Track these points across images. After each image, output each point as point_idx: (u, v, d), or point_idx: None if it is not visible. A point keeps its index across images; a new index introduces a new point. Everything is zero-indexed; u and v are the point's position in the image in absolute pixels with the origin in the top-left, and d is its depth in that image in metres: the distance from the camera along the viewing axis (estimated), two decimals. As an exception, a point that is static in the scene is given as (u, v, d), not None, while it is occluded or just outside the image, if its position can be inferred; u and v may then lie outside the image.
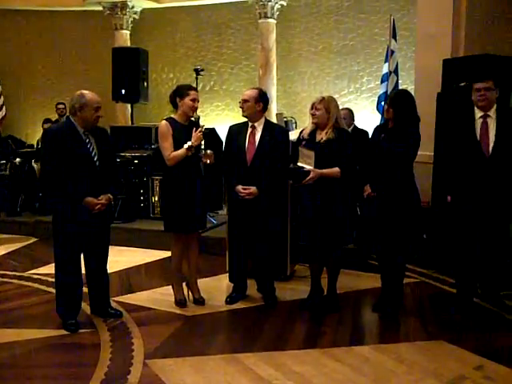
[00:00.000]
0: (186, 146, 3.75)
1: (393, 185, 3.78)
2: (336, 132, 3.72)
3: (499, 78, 3.96)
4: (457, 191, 4.04)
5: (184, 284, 4.15)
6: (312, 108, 3.73)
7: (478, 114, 3.85)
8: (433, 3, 5.64)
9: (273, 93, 8.19)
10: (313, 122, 3.75)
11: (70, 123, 3.51)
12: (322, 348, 3.34)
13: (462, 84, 4.92)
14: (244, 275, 4.23)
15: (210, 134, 6.78)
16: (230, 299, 4.14)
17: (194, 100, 3.80)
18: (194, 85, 6.92)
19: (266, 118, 4.01)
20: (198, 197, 3.90)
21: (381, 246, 3.95)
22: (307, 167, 3.67)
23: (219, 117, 9.17)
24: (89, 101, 3.46)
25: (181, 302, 4.04)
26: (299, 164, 3.70)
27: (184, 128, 3.83)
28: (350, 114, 5.65)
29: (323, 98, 3.73)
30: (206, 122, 8.47)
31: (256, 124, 3.94)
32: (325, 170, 3.67)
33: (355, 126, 5.66)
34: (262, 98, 3.93)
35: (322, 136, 3.74)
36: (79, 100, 3.46)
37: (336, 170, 3.69)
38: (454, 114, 4.40)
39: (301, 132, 3.90)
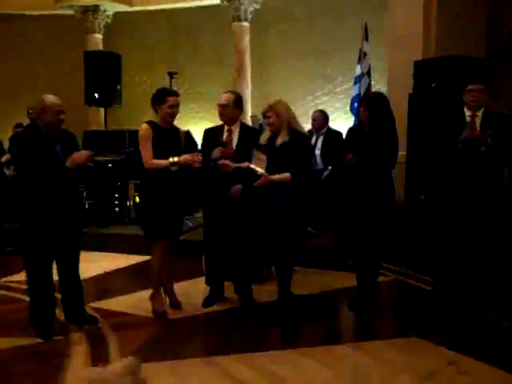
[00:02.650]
0: (170, 160, 3.67)
1: (370, 186, 3.82)
2: (291, 135, 3.64)
3: (468, 79, 4.05)
4: (446, 187, 4.09)
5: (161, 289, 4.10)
6: (264, 117, 3.69)
7: (467, 113, 3.95)
8: (403, 6, 5.75)
9: (247, 95, 8.21)
10: (270, 131, 3.69)
11: (36, 127, 3.46)
12: (300, 348, 3.34)
13: (433, 85, 5.02)
14: (221, 278, 4.22)
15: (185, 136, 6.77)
16: (207, 302, 4.12)
17: (173, 106, 3.70)
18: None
19: (241, 121, 4.02)
20: (178, 202, 3.85)
21: (356, 245, 3.99)
22: (259, 171, 3.64)
23: (194, 119, 9.16)
24: (49, 105, 3.40)
25: (161, 316, 3.89)
26: (252, 166, 3.66)
27: (165, 132, 3.77)
28: (323, 115, 5.71)
29: (270, 105, 3.66)
30: (180, 124, 8.44)
31: (233, 127, 3.93)
32: (275, 176, 3.61)
33: (329, 128, 5.72)
34: (240, 102, 3.94)
35: (279, 141, 3.67)
36: (39, 104, 3.42)
37: (286, 175, 3.61)
38: (436, 113, 4.48)
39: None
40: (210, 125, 8.98)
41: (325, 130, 5.65)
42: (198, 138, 5.05)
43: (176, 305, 4.05)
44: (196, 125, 9.06)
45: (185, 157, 3.68)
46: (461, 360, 3.11)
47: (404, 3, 5.70)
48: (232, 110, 3.87)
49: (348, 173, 3.96)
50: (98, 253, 5.61)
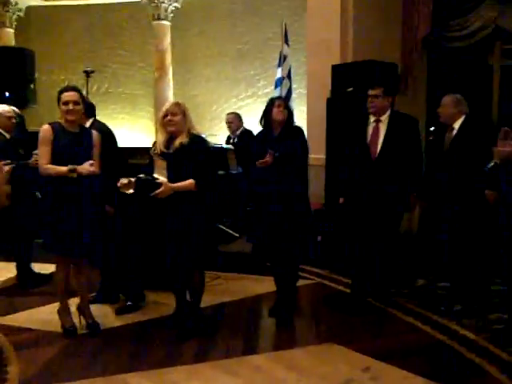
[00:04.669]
0: (69, 167, 3.39)
1: (286, 188, 3.78)
2: (191, 138, 3.47)
3: (384, 84, 4.12)
4: (347, 193, 4.18)
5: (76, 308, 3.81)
6: (166, 116, 3.43)
7: (372, 118, 4.01)
8: (321, 10, 5.79)
9: (170, 96, 8.01)
10: (169, 131, 3.45)
11: None
12: (214, 361, 3.24)
13: (349, 89, 5.09)
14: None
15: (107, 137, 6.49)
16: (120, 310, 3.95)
17: (67, 103, 3.43)
18: (85, 87, 6.60)
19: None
20: (88, 222, 3.55)
21: (273, 248, 3.94)
22: (160, 179, 3.41)
23: (116, 120, 8.82)
24: None
25: (69, 331, 3.64)
26: (155, 175, 3.45)
27: (71, 135, 3.51)
28: (237, 117, 5.83)
29: (179, 103, 3.50)
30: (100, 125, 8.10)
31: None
32: (176, 184, 3.41)
33: (244, 129, 5.79)
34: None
35: (178, 142, 3.44)
36: None
37: (190, 182, 3.42)
38: (347, 117, 4.56)
39: (153, 144, 3.61)
40: (130, 126, 8.75)
41: (241, 130, 5.73)
42: (120, 140, 4.84)
43: (92, 326, 3.72)
44: (117, 126, 8.74)
45: (83, 166, 3.42)
46: (374, 366, 3.12)
47: (322, 8, 5.74)
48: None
49: (264, 175, 3.90)
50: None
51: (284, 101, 3.96)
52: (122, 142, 7.11)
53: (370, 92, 3.98)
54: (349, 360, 3.22)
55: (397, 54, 6.07)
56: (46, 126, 3.52)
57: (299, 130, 3.95)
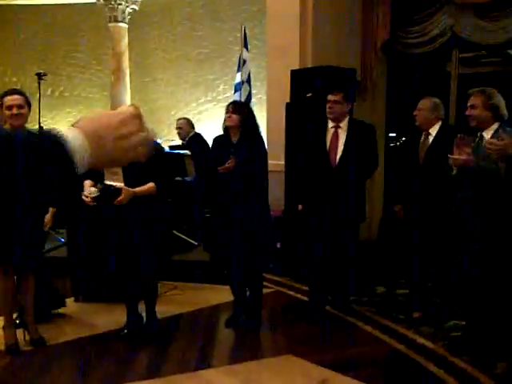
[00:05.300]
0: None
1: (245, 197, 3.69)
2: None
3: (344, 89, 4.07)
4: (306, 200, 4.11)
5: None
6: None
7: (330, 124, 3.94)
8: (281, 15, 5.72)
9: (126, 100, 7.80)
10: None
11: None
12: (165, 376, 3.10)
13: (309, 95, 5.03)
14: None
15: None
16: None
17: (11, 107, 3.27)
18: (37, 90, 6.36)
19: None
20: (28, 229, 3.33)
21: (234, 258, 3.83)
22: (117, 184, 3.31)
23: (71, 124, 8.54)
24: None
25: (11, 348, 3.42)
26: (107, 182, 3.33)
27: None
28: (187, 122, 5.81)
29: (135, 106, 3.41)
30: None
31: None
32: (137, 189, 3.33)
33: (195, 133, 5.79)
34: None
35: None
36: None
37: (150, 186, 3.36)
38: (307, 123, 4.48)
39: None
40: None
41: (191, 135, 5.70)
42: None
43: (36, 341, 3.51)
44: (74, 130, 8.46)
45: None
46: (332, 377, 3.05)
47: (281, 13, 5.68)
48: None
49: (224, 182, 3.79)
50: None
51: (235, 106, 3.78)
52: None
53: (330, 97, 3.90)
54: (306, 372, 3.13)
55: (356, 59, 6.07)
56: None
57: (258, 137, 3.84)
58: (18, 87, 8.16)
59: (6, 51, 8.44)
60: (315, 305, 4.04)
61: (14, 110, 3.28)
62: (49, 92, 8.32)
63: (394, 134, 7.00)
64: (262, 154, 3.85)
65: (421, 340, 3.55)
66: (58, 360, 3.35)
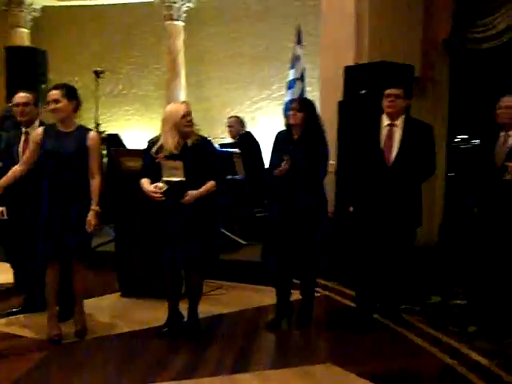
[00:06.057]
0: None
1: (303, 196, 3.62)
2: (200, 138, 3.46)
3: (398, 86, 3.86)
4: (359, 201, 3.93)
5: None
6: (184, 116, 3.31)
7: (385, 121, 3.76)
8: (336, 10, 5.54)
9: (182, 98, 7.85)
10: (187, 131, 3.35)
11: None
12: (199, 378, 3.01)
13: (362, 92, 4.82)
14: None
15: (114, 139, 6.38)
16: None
17: (49, 103, 3.39)
18: (94, 88, 6.52)
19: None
20: (70, 223, 3.40)
21: (283, 260, 3.72)
22: (176, 179, 3.32)
23: (129, 122, 8.72)
24: None
25: (54, 340, 3.48)
26: (165, 179, 3.34)
27: (61, 135, 3.42)
28: (238, 120, 5.71)
29: (186, 102, 3.48)
30: (115, 127, 8.02)
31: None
32: (201, 190, 3.36)
33: (245, 131, 5.68)
34: None
35: (190, 141, 3.39)
36: None
37: (211, 184, 3.41)
38: (360, 121, 4.30)
39: (151, 145, 3.46)
40: (144, 128, 8.61)
41: (242, 133, 5.59)
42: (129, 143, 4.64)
43: (80, 334, 3.56)
44: (131, 128, 8.64)
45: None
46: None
47: (336, 7, 5.49)
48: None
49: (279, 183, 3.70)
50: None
51: (300, 103, 3.74)
52: (136, 143, 7.02)
53: (390, 91, 3.71)
54: (344, 383, 2.95)
55: (415, 55, 5.78)
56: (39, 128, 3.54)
57: (321, 135, 3.73)
58: (79, 86, 8.43)
59: (67, 51, 8.72)
60: (362, 312, 3.84)
61: (51, 105, 3.38)
62: (108, 90, 8.52)
63: (465, 136, 6.62)
64: (323, 152, 3.71)
65: (475, 356, 3.27)
66: (95, 354, 3.35)
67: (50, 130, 3.48)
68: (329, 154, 3.80)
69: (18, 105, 3.72)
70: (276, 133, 3.89)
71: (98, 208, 3.42)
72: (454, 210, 5.74)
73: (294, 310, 3.89)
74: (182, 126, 3.32)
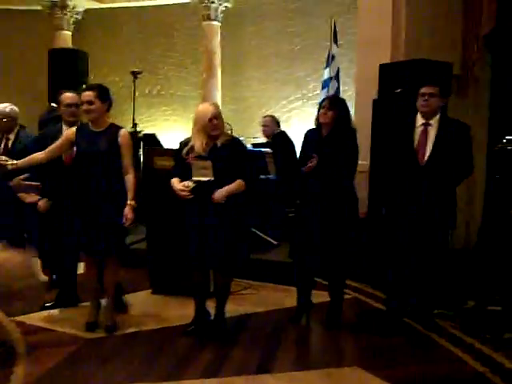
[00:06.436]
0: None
1: (334, 196, 3.61)
2: (231, 138, 3.47)
3: (436, 84, 3.75)
4: (391, 202, 3.84)
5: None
6: (211, 119, 3.32)
7: (420, 121, 3.67)
8: (373, 7, 5.45)
9: (217, 98, 7.89)
10: (214, 134, 3.37)
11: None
12: (223, 377, 3.00)
13: (398, 90, 4.70)
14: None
15: (150, 139, 6.46)
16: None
17: (83, 103, 3.46)
18: (132, 88, 6.63)
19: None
20: (103, 221, 3.47)
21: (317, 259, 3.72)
22: (205, 178, 3.35)
23: (167, 122, 8.83)
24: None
25: (87, 325, 3.63)
26: (195, 178, 3.37)
27: (93, 134, 3.50)
28: (273, 120, 5.66)
29: (215, 104, 3.43)
30: (153, 128, 8.13)
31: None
32: (228, 187, 3.35)
33: (280, 130, 5.62)
34: None
35: (219, 142, 3.40)
36: None
37: (240, 182, 3.39)
38: (394, 120, 4.20)
39: (183, 146, 3.47)
40: (182, 128, 8.70)
41: (276, 132, 5.54)
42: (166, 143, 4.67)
43: (109, 328, 3.64)
44: (170, 128, 8.74)
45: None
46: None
47: (373, 4, 5.40)
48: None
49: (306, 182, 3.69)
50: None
51: (332, 101, 3.71)
52: (174, 144, 7.09)
53: (425, 90, 3.62)
54: (368, 388, 2.88)
55: (455, 52, 5.60)
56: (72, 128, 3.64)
57: (350, 132, 3.70)
58: (120, 86, 8.60)
59: (108, 52, 8.92)
60: (392, 315, 3.75)
61: (85, 106, 3.46)
62: (146, 91, 8.67)
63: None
64: (352, 150, 3.67)
65: (508, 364, 3.14)
66: (123, 350, 3.39)
67: (82, 129, 3.56)
68: (358, 152, 3.73)
69: (70, 105, 3.79)
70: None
71: (134, 203, 3.46)
72: (495, 214, 5.53)
73: (313, 306, 3.90)
74: (209, 129, 3.34)
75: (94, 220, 3.47)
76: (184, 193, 3.36)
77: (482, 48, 5.53)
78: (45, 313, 3.98)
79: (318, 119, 3.72)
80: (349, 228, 3.67)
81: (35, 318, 3.85)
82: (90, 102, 3.44)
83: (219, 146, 3.38)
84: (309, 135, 3.81)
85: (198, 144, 3.36)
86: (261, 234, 5.52)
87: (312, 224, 3.66)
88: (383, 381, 2.94)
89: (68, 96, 3.84)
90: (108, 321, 3.67)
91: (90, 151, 3.48)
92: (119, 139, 3.50)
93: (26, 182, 3.35)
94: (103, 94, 3.50)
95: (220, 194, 3.33)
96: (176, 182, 3.44)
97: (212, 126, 3.33)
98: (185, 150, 3.44)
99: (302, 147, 3.82)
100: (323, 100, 3.78)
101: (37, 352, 3.28)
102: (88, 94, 3.45)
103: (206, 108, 3.39)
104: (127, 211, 3.43)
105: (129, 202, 3.45)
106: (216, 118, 3.34)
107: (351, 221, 3.69)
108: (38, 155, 3.56)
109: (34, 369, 3.04)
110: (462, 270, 4.71)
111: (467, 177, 3.78)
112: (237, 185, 3.38)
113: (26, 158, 3.54)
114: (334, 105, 3.65)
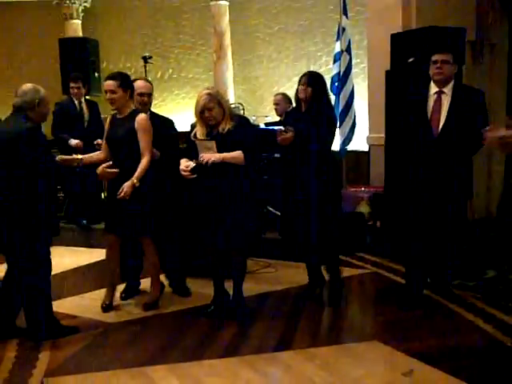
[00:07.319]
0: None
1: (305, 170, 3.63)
2: (236, 122, 3.39)
3: (448, 50, 3.65)
4: (407, 174, 3.79)
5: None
6: (203, 112, 3.26)
7: (433, 89, 3.59)
8: (382, -26, 5.30)
9: (229, 78, 7.82)
10: (210, 125, 3.33)
11: None
12: (243, 356, 3.02)
13: (410, 60, 4.60)
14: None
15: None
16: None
17: (106, 92, 3.51)
18: (143, 73, 6.59)
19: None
20: (127, 204, 3.50)
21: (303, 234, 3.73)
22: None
23: (179, 105, 8.80)
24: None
25: (102, 306, 3.74)
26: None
27: (118, 121, 3.57)
28: (284, 98, 5.55)
29: (210, 92, 3.31)
30: (167, 112, 8.11)
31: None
32: (226, 154, 3.30)
33: (292, 108, 5.50)
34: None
35: (221, 128, 3.34)
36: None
37: (238, 153, 3.32)
38: (407, 90, 4.12)
39: (193, 127, 3.45)
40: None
41: (288, 110, 5.42)
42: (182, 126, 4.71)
43: (151, 305, 3.76)
44: (182, 111, 8.71)
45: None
46: (419, 368, 2.76)
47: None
48: None
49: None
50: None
51: (309, 78, 3.66)
52: (187, 127, 7.08)
53: (438, 57, 3.52)
54: (391, 361, 2.89)
55: (470, 17, 5.44)
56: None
57: (324, 106, 3.66)
58: (132, 72, 8.59)
59: (119, 38, 8.88)
60: (412, 288, 3.72)
61: (108, 95, 3.50)
62: (158, 75, 8.64)
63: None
64: (328, 118, 3.68)
65: (531, 333, 3.10)
66: (144, 332, 3.44)
67: (113, 117, 3.64)
68: (333, 125, 3.79)
69: (142, 95, 3.71)
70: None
71: (136, 181, 3.48)
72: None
73: (325, 282, 3.91)
74: (202, 121, 3.34)
75: (121, 204, 3.52)
76: (185, 173, 3.36)
77: (498, 11, 5.35)
78: (68, 300, 4.06)
79: (297, 94, 3.71)
80: (325, 203, 3.64)
81: (59, 306, 3.92)
82: (112, 92, 3.45)
83: (223, 132, 3.34)
84: (290, 113, 3.91)
85: (200, 132, 3.39)
86: (277, 213, 5.49)
87: (295, 200, 3.69)
88: (403, 354, 2.93)
89: (140, 85, 3.75)
90: (150, 299, 3.78)
91: (112, 138, 3.57)
92: (136, 124, 3.52)
93: (109, 170, 3.38)
94: (125, 81, 3.52)
95: (216, 156, 3.29)
96: (182, 163, 3.44)
97: (204, 118, 3.30)
98: (193, 133, 3.44)
99: (283, 122, 3.87)
100: (302, 76, 3.72)
101: (62, 339, 3.34)
102: (110, 84, 3.46)
103: (197, 101, 3.33)
104: (126, 186, 3.46)
105: (133, 178, 3.47)
106: (209, 110, 3.26)
107: (326, 196, 3.65)
108: (99, 154, 3.70)
109: (56, 355, 3.11)
110: (483, 239, 4.65)
111: (481, 147, 3.68)
112: (234, 154, 3.33)
113: (87, 156, 3.66)
114: (311, 81, 3.63)
